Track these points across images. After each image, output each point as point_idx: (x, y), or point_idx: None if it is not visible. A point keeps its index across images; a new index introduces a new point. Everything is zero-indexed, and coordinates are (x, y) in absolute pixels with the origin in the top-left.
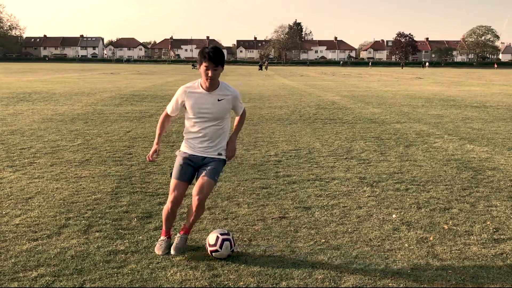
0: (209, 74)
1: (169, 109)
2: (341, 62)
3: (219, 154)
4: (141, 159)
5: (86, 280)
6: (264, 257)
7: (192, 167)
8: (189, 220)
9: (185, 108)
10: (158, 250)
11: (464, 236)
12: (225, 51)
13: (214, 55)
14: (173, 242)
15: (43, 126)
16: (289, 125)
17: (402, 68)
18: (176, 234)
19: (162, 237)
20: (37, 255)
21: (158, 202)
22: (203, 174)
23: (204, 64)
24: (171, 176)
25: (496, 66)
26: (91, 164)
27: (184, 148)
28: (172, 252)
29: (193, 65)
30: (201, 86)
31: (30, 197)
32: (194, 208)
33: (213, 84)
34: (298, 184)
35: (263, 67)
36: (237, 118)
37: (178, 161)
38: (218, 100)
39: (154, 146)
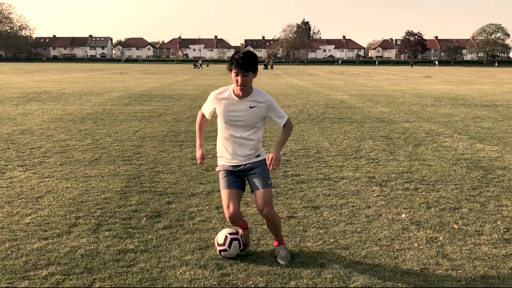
0: (239, 81)
1: (205, 110)
2: (340, 61)
3: (257, 156)
4: (150, 159)
5: (96, 279)
6: (273, 256)
7: (236, 176)
8: (273, 233)
9: (216, 113)
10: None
11: (474, 236)
12: (233, 50)
13: (243, 61)
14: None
15: (52, 126)
16: (298, 124)
17: (411, 67)
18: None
19: (240, 231)
20: (48, 253)
21: (167, 201)
22: (256, 187)
23: (234, 70)
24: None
25: (496, 64)
26: (100, 164)
27: (222, 161)
28: (282, 262)
29: (194, 65)
30: (233, 93)
31: (40, 196)
32: (267, 222)
33: (245, 91)
34: (307, 183)
35: (268, 66)
36: (282, 129)
37: (221, 175)
38: (250, 108)
39: (199, 150)
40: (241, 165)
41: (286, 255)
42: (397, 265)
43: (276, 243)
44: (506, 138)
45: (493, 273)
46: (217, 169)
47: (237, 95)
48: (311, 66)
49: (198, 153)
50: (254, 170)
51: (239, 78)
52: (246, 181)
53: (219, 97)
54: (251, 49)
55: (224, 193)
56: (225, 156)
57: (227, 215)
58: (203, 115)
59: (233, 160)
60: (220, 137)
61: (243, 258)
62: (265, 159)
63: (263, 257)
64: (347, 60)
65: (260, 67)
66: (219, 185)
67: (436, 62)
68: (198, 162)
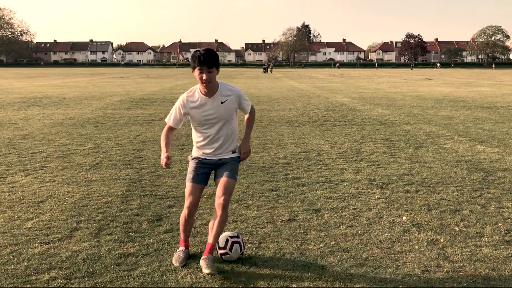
0: (204, 77)
1: (170, 121)
2: (337, 64)
3: (233, 152)
4: (151, 163)
5: (98, 282)
6: (274, 259)
7: (206, 170)
8: (212, 234)
9: (190, 117)
10: (176, 261)
11: (475, 237)
12: (233, 54)
13: (206, 57)
14: (190, 253)
15: (54, 131)
16: (298, 127)
17: (412, 69)
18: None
19: (181, 248)
20: (49, 258)
21: (168, 205)
22: (223, 174)
23: (197, 68)
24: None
25: (494, 66)
26: (101, 168)
27: (196, 153)
28: (207, 271)
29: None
30: (200, 92)
31: (41, 200)
32: (219, 212)
33: (211, 88)
34: (308, 186)
35: (268, 70)
36: (246, 117)
37: (191, 165)
38: (222, 103)
39: (165, 154)
40: (215, 159)
41: (213, 265)
42: (398, 267)
43: (207, 250)
44: (506, 139)
45: (494, 274)
46: (189, 158)
47: (204, 94)
48: (309, 69)
49: (164, 155)
50: (226, 164)
51: (204, 75)
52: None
53: (189, 100)
54: (252, 53)
55: (189, 185)
56: (200, 149)
57: (186, 204)
58: (169, 128)
59: (207, 154)
60: (194, 136)
61: (244, 262)
62: (238, 157)
63: (264, 260)
64: (348, 63)
65: (260, 71)
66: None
67: (438, 64)
68: (163, 164)
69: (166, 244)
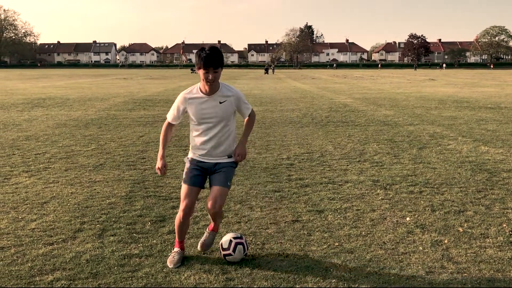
0: (210, 77)
1: (170, 117)
2: (334, 65)
3: (229, 156)
4: (154, 164)
5: (101, 284)
6: (278, 260)
7: (202, 172)
8: (213, 221)
9: (188, 115)
10: (170, 263)
11: (480, 239)
12: (236, 55)
13: (213, 57)
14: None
15: (57, 132)
16: (301, 128)
17: (415, 70)
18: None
19: (176, 249)
20: (53, 259)
21: (171, 206)
22: (215, 183)
23: (203, 67)
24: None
25: (492, 66)
26: (105, 169)
27: (192, 155)
28: (199, 248)
29: (192, 69)
30: (201, 91)
31: (45, 201)
32: (211, 218)
33: (213, 87)
34: (311, 187)
35: (269, 71)
36: (245, 120)
37: (187, 167)
38: (220, 103)
39: (160, 161)
40: (211, 163)
41: (209, 244)
42: (402, 268)
43: (210, 228)
44: (510, 140)
45: (499, 276)
46: (185, 159)
47: (205, 92)
48: (308, 70)
49: (159, 163)
50: (220, 170)
51: (210, 74)
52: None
53: (187, 97)
54: (255, 54)
55: (184, 187)
56: (196, 152)
57: (181, 207)
58: (169, 124)
59: (203, 157)
60: (192, 136)
61: (248, 263)
62: (234, 162)
63: (268, 261)
64: (351, 63)
65: (261, 71)
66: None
67: (444, 65)
68: (159, 173)
69: (170, 245)
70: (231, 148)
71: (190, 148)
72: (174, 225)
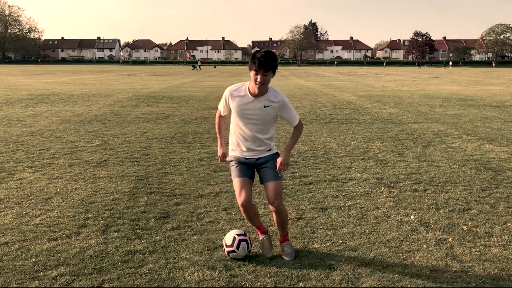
0: (258, 80)
1: (221, 107)
2: (335, 63)
3: (269, 150)
4: (158, 160)
5: (105, 279)
6: (281, 257)
7: (248, 167)
8: (280, 228)
9: (231, 109)
10: (264, 251)
11: (484, 237)
12: (240, 52)
13: (265, 60)
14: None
15: (61, 127)
16: (305, 125)
17: (419, 67)
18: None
19: (260, 237)
20: (57, 254)
21: (175, 202)
22: (267, 179)
23: (254, 69)
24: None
25: (494, 64)
26: (109, 165)
27: (233, 153)
28: (287, 258)
29: (193, 66)
30: (249, 91)
31: (49, 197)
32: (277, 215)
33: (261, 90)
34: (315, 184)
35: None
36: (292, 129)
37: (232, 164)
38: (264, 107)
39: (221, 149)
40: (253, 158)
41: (291, 252)
42: (406, 266)
43: (281, 239)
44: None
45: (504, 275)
46: (229, 159)
47: (252, 94)
48: (311, 67)
49: (220, 151)
50: (266, 164)
51: (258, 77)
52: (256, 173)
53: (234, 94)
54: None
55: (236, 181)
56: (237, 149)
57: (239, 202)
58: (220, 115)
59: (245, 153)
60: (233, 131)
61: (251, 260)
62: (276, 153)
63: (271, 258)
64: (355, 61)
65: None
66: (230, 176)
67: (450, 63)
68: (220, 160)
69: (173, 242)
70: (270, 145)
71: (230, 146)
72: (177, 221)
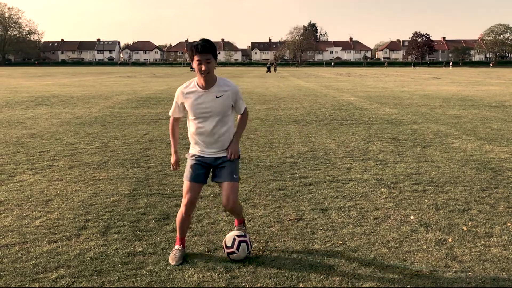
0: (203, 68)
1: (172, 112)
2: (332, 64)
3: (227, 149)
4: (158, 161)
5: (105, 281)
6: (281, 258)
7: (204, 168)
8: (236, 216)
9: (185, 109)
10: (172, 260)
11: (484, 237)
12: (239, 53)
13: (204, 46)
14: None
15: (61, 129)
16: (305, 126)
17: (414, 68)
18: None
19: (177, 246)
20: (57, 256)
21: (175, 203)
22: (222, 178)
23: (196, 58)
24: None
25: (491, 65)
26: (109, 167)
27: (193, 150)
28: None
29: (191, 67)
30: (197, 85)
31: (49, 199)
32: (233, 214)
33: (209, 80)
34: (315, 185)
35: (272, 69)
36: (238, 117)
37: (188, 163)
38: (217, 97)
39: (174, 157)
40: (211, 157)
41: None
42: (406, 267)
43: (236, 223)
44: None
45: (504, 275)
46: (186, 155)
47: (201, 86)
48: (311, 68)
49: (173, 159)
50: (223, 165)
51: (202, 65)
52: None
53: (185, 91)
54: (258, 52)
55: (186, 184)
56: (195, 147)
57: (183, 203)
58: (174, 120)
59: (203, 152)
60: (190, 132)
61: (252, 261)
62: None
63: (271, 259)
64: (354, 62)
65: (264, 70)
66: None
67: (451, 63)
68: (172, 169)
69: (174, 243)
70: (229, 142)
71: (190, 143)
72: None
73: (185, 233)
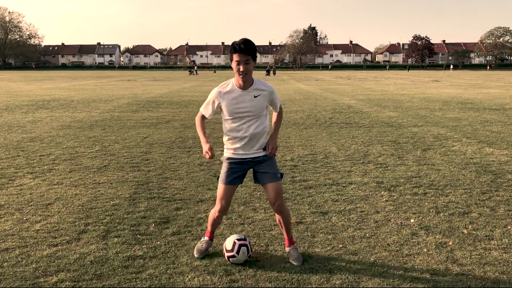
0: (241, 69)
1: (204, 111)
2: (330, 67)
3: (264, 149)
4: (158, 165)
5: (105, 285)
6: (281, 262)
7: (240, 171)
8: (285, 230)
9: (221, 110)
10: (197, 251)
11: (484, 240)
12: None
13: (244, 46)
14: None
15: (61, 133)
16: (305, 129)
17: (408, 71)
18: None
19: (205, 238)
20: (57, 260)
21: (175, 207)
22: (267, 180)
23: (234, 58)
24: (217, 180)
25: (488, 68)
26: (109, 170)
27: (228, 153)
28: (295, 263)
29: (190, 71)
30: (235, 85)
31: (49, 203)
32: (279, 215)
33: (247, 81)
34: (315, 188)
35: (271, 72)
36: (275, 114)
37: (224, 166)
38: (255, 97)
39: (207, 144)
40: (249, 158)
41: (298, 256)
42: (407, 270)
43: (287, 243)
44: None
45: (504, 278)
46: (222, 158)
47: (239, 86)
48: (311, 71)
49: (206, 147)
50: (263, 163)
51: (241, 66)
52: (248, 173)
53: (222, 91)
54: (258, 55)
55: (221, 187)
56: (232, 148)
57: (218, 207)
58: (202, 117)
59: (240, 153)
60: (226, 132)
61: (252, 264)
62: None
63: (271, 263)
64: (354, 65)
65: (263, 73)
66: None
67: (451, 66)
68: (208, 156)
69: (174, 247)
70: (265, 142)
71: (224, 146)
72: (178, 226)
73: (215, 229)
